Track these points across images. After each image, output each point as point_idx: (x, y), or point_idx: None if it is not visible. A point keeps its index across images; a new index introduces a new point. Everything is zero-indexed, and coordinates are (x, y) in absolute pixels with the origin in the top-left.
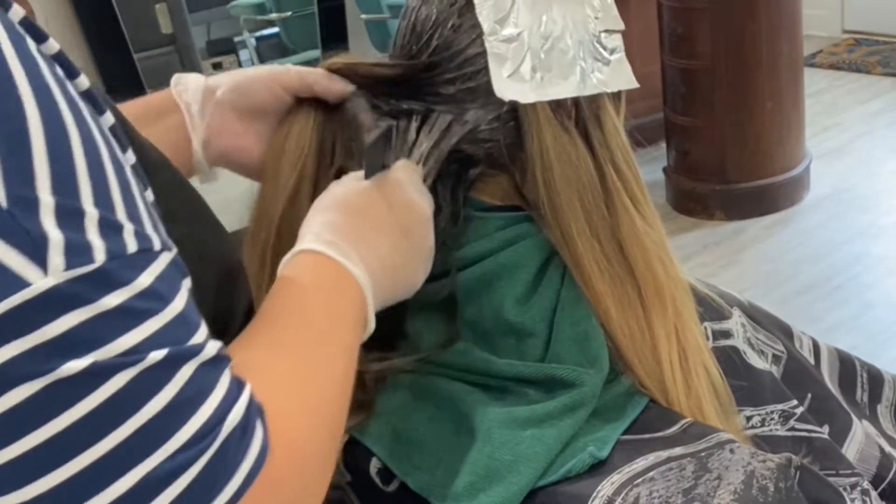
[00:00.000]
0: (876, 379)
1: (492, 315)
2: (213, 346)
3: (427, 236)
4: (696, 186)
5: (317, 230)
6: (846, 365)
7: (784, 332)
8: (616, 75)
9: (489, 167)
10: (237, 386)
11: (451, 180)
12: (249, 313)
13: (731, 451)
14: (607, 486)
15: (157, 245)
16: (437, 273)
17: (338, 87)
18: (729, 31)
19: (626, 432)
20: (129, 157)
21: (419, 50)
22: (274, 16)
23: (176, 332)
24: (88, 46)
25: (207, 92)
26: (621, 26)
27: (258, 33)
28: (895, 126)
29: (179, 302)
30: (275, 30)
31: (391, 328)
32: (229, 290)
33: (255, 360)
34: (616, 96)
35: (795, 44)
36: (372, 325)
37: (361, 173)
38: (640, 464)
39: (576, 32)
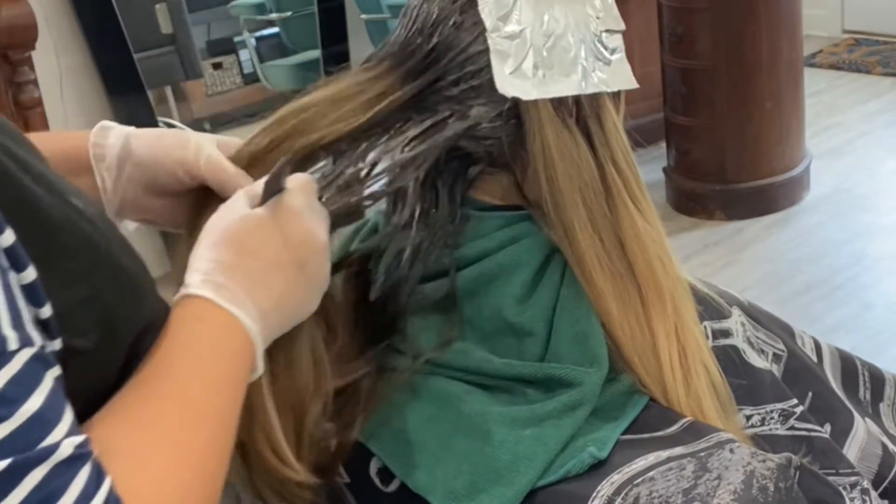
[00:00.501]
0: (877, 378)
1: (491, 314)
2: (70, 444)
3: (323, 265)
4: (696, 186)
5: (206, 269)
6: (848, 364)
7: (785, 330)
8: (616, 75)
9: (489, 165)
10: (95, 482)
11: (450, 178)
12: None
13: (731, 450)
14: (607, 485)
15: (12, 344)
16: (436, 273)
17: (234, 184)
18: (729, 31)
19: (625, 432)
20: (7, 237)
21: (418, 48)
22: (274, 16)
23: (26, 436)
24: (88, 46)
25: (121, 162)
26: (622, 26)
27: (258, 33)
28: (895, 126)
29: (36, 400)
30: (275, 30)
31: (386, 324)
32: (148, 346)
33: (120, 442)
34: (616, 96)
35: (795, 44)
36: (260, 370)
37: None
38: (639, 463)
39: (577, 31)
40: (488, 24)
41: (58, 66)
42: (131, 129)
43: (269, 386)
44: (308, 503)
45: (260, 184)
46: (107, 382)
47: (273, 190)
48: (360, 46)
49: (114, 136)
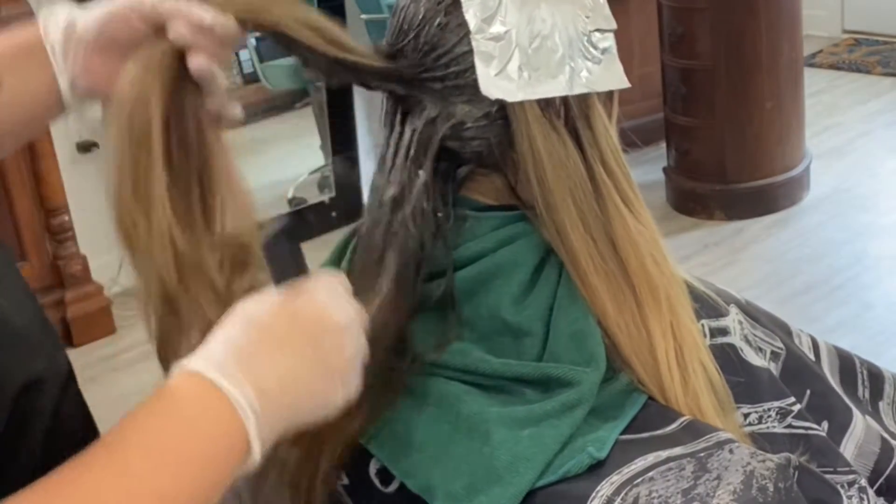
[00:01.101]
0: (876, 376)
1: (488, 315)
2: None
3: (342, 348)
4: (696, 186)
5: (207, 346)
6: (846, 363)
7: (783, 329)
8: (606, 75)
9: (479, 166)
10: None
11: (440, 178)
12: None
13: (731, 451)
14: (606, 486)
15: None
16: (434, 273)
17: (198, 19)
18: (729, 31)
19: (624, 431)
20: None
21: (405, 48)
22: None
23: None
24: None
25: (69, 30)
26: (613, 26)
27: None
28: (895, 126)
29: None
30: None
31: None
32: (36, 405)
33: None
34: (608, 96)
35: (795, 44)
36: (257, 454)
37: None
38: (639, 464)
39: (565, 31)
40: (472, 25)
41: None
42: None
43: None
44: None
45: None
46: None
47: (280, 269)
48: None
49: (62, 8)
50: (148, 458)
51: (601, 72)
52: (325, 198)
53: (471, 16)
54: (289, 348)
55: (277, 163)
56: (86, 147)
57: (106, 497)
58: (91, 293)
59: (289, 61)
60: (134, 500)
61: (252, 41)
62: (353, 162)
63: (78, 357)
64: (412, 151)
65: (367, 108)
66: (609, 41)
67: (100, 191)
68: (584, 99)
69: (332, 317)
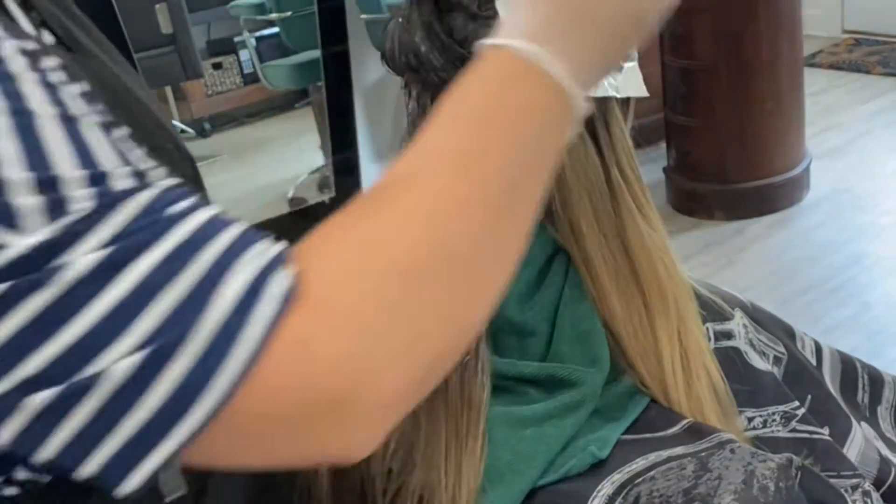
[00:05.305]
0: (876, 380)
1: (494, 313)
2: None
3: None
4: (696, 186)
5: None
6: (848, 367)
7: (786, 332)
8: (627, 82)
9: None
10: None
11: None
12: None
13: (732, 450)
14: (608, 485)
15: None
16: None
17: None
18: (729, 31)
19: (626, 432)
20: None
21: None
22: (274, 16)
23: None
24: None
25: None
26: None
27: (258, 33)
28: (895, 126)
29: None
30: (275, 30)
31: None
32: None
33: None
34: (625, 102)
35: (795, 44)
36: (581, 106)
37: None
38: (640, 463)
39: None
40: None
41: None
42: None
43: None
44: None
45: None
46: None
47: None
48: (360, 46)
49: None
50: (474, 139)
51: (623, 79)
52: (325, 198)
53: (503, 8)
54: None
55: (277, 163)
56: None
57: (441, 147)
58: None
59: (289, 61)
60: (464, 156)
61: (252, 41)
62: (353, 162)
63: None
64: None
65: (367, 108)
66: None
67: None
68: (604, 102)
69: None
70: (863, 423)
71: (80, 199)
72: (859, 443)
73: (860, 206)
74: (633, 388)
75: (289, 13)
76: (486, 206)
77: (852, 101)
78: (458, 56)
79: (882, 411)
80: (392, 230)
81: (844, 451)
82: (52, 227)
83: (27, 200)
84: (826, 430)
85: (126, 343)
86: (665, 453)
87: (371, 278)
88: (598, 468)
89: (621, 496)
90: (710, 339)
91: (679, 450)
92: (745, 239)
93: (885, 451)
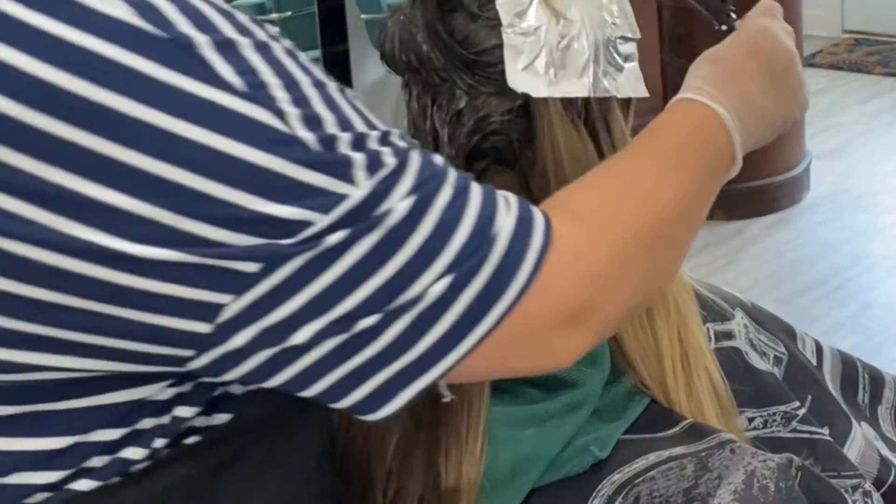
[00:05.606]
0: (877, 380)
1: None
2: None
3: (791, 74)
4: None
5: (688, 83)
6: (848, 366)
7: (787, 332)
8: (628, 82)
9: (494, 163)
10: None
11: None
12: None
13: (732, 450)
14: (608, 485)
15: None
16: None
17: None
18: (729, 31)
19: (626, 432)
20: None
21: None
22: (274, 16)
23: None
24: None
25: None
26: (637, 35)
27: None
28: (895, 126)
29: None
30: (275, 30)
31: None
32: None
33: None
34: (626, 102)
35: (795, 44)
36: (739, 162)
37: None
38: (640, 463)
39: (592, 35)
40: (504, 19)
41: None
42: None
43: None
44: None
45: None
46: None
47: (718, 10)
48: (360, 46)
49: None
50: (676, 150)
51: (624, 79)
52: None
53: (503, 10)
54: (750, 78)
55: None
56: None
57: (638, 177)
58: None
59: None
60: (661, 182)
61: None
62: None
63: None
64: (443, 147)
65: (367, 107)
66: (632, 49)
67: None
68: (604, 102)
69: (785, 49)
70: (863, 424)
71: (387, 155)
72: (859, 443)
73: (860, 206)
74: (634, 389)
75: (289, 13)
76: (690, 194)
77: (852, 101)
78: (458, 56)
79: (882, 411)
80: (632, 190)
81: (845, 451)
82: (373, 180)
83: (356, 156)
84: (826, 431)
85: (436, 269)
86: (665, 453)
87: (622, 217)
88: (598, 468)
89: (621, 496)
90: (710, 340)
91: (679, 450)
92: (745, 239)
93: (886, 452)
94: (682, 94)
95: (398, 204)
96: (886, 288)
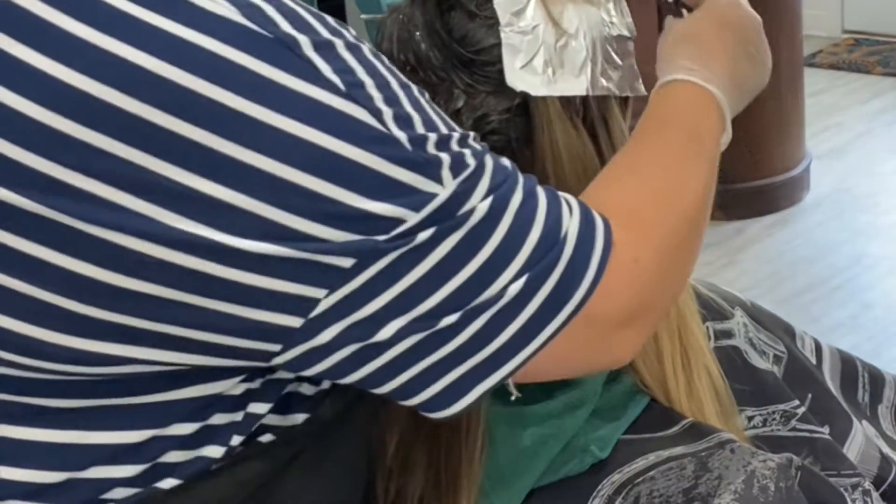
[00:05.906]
0: (877, 380)
1: None
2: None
3: (760, 42)
4: None
5: (672, 62)
6: (848, 365)
7: (786, 331)
8: (625, 81)
9: None
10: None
11: None
12: None
13: (732, 450)
14: (608, 485)
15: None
16: None
17: None
18: None
19: (626, 431)
20: None
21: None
22: None
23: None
24: None
25: None
26: (634, 34)
27: None
28: (895, 126)
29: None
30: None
31: None
32: None
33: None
34: (624, 101)
35: (795, 44)
36: (730, 132)
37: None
38: (640, 463)
39: (589, 34)
40: (502, 18)
41: None
42: None
43: None
44: None
45: None
46: None
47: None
48: None
49: None
50: (689, 136)
51: (621, 78)
52: None
53: (501, 9)
54: (726, 51)
55: None
56: None
57: (666, 172)
58: None
59: None
60: (685, 175)
61: None
62: None
63: None
64: None
65: None
66: (629, 48)
67: None
68: (603, 101)
69: (753, 20)
70: (864, 422)
71: (468, 156)
72: (860, 441)
73: (860, 206)
74: (634, 388)
75: None
76: (708, 179)
77: (852, 101)
78: (456, 55)
79: (883, 410)
80: (666, 186)
81: (845, 450)
82: (457, 180)
83: (443, 156)
84: (826, 430)
85: (513, 269)
86: (665, 453)
87: (665, 215)
88: (598, 468)
89: (621, 496)
90: (710, 338)
91: (679, 450)
92: (745, 239)
93: (886, 449)
94: (673, 75)
95: (479, 204)
96: (886, 288)
